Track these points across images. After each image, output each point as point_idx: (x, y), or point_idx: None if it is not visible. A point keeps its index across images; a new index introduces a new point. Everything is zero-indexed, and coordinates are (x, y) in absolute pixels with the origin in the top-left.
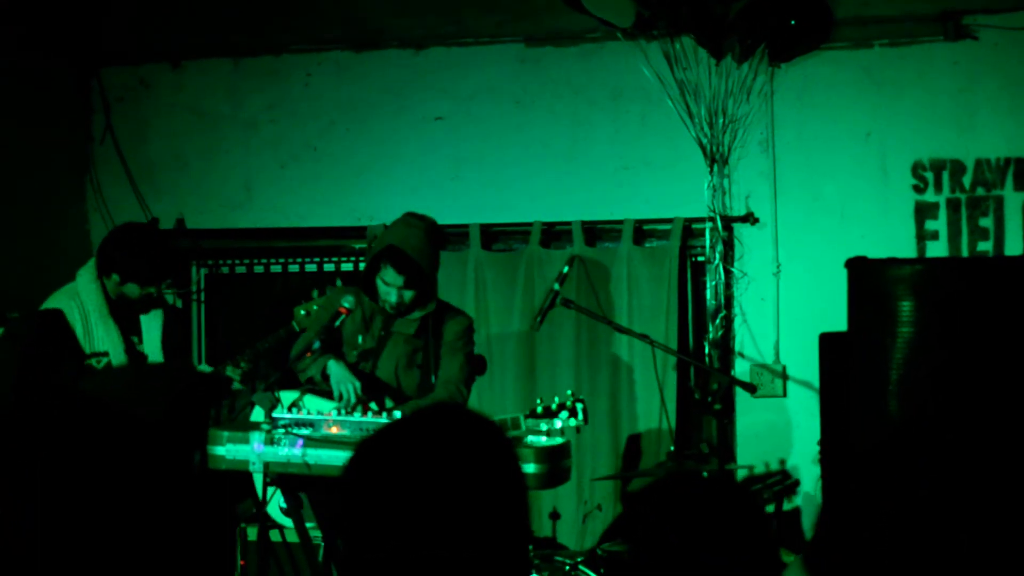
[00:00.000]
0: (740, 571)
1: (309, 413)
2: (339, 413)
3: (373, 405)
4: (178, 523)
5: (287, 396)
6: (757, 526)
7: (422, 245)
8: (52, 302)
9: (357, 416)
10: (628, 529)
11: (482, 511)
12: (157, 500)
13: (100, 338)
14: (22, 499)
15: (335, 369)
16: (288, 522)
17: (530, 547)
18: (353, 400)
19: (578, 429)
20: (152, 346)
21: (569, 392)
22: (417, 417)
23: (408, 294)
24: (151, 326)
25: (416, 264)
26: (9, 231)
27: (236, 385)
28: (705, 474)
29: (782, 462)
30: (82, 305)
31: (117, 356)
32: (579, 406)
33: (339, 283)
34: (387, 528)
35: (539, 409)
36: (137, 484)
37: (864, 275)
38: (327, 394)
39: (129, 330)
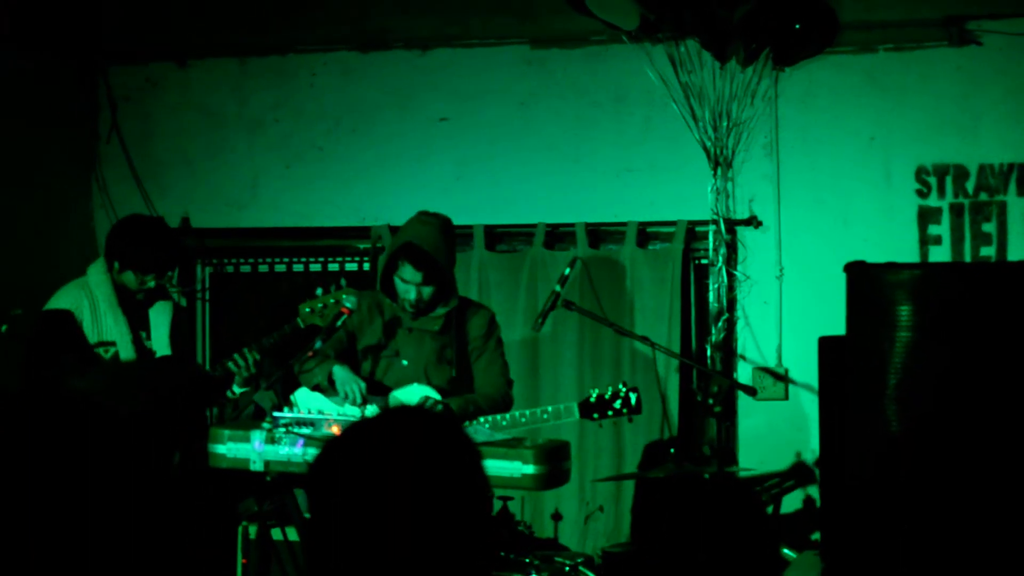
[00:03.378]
0: (740, 569)
1: (309, 412)
2: (341, 413)
3: (373, 405)
4: (162, 520)
5: (303, 398)
6: (757, 525)
7: (437, 241)
8: (63, 293)
9: (356, 415)
10: (633, 529)
11: (439, 512)
12: (139, 498)
13: (108, 327)
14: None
15: (339, 372)
16: None
17: (514, 553)
18: (359, 399)
19: (630, 418)
20: (160, 342)
21: (621, 384)
22: (380, 417)
23: (427, 291)
24: (159, 322)
25: (433, 259)
26: (14, 228)
27: (236, 388)
28: (707, 476)
29: (784, 464)
30: (92, 295)
31: (125, 347)
32: (632, 395)
33: (343, 282)
34: (345, 524)
35: (593, 399)
36: (116, 481)
37: (863, 279)
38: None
39: (138, 325)
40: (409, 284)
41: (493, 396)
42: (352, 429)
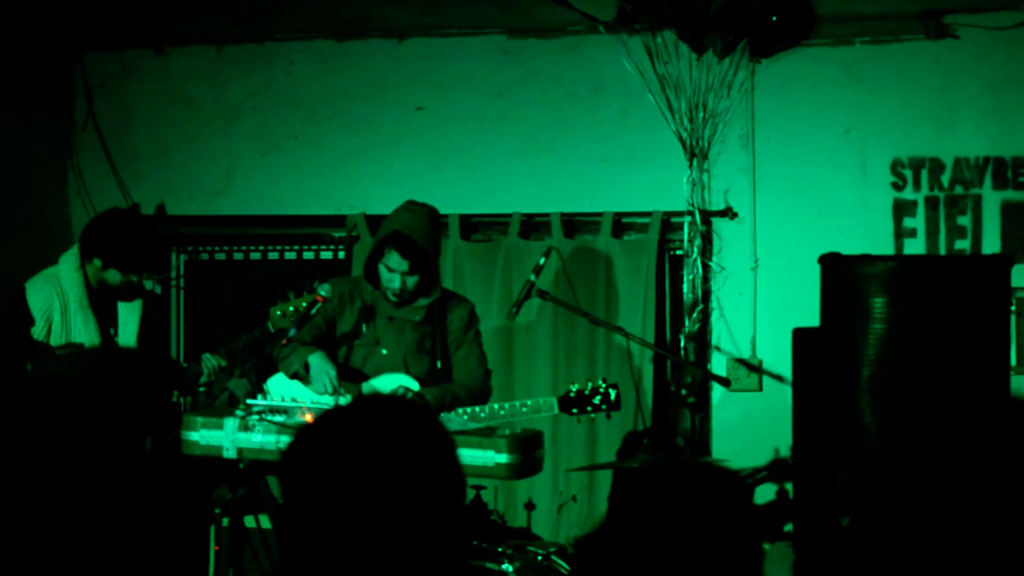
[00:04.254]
0: (722, 559)
1: (282, 400)
2: (314, 401)
3: (345, 394)
4: (136, 507)
5: (276, 386)
6: (742, 514)
7: (425, 231)
8: (32, 286)
9: (330, 403)
10: (611, 518)
11: (412, 499)
12: (115, 483)
13: (78, 329)
14: None
15: (314, 360)
16: None
17: (487, 542)
18: (329, 388)
19: (608, 415)
20: (128, 340)
21: (601, 380)
22: (353, 405)
23: (412, 280)
24: (129, 319)
25: (420, 249)
26: None
27: (202, 384)
28: (682, 463)
29: (757, 455)
30: (63, 293)
31: (93, 348)
32: (612, 392)
33: (316, 284)
34: (317, 512)
35: (572, 394)
36: (95, 466)
37: (837, 271)
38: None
39: (108, 322)
40: (394, 273)
41: (471, 386)
42: (325, 417)
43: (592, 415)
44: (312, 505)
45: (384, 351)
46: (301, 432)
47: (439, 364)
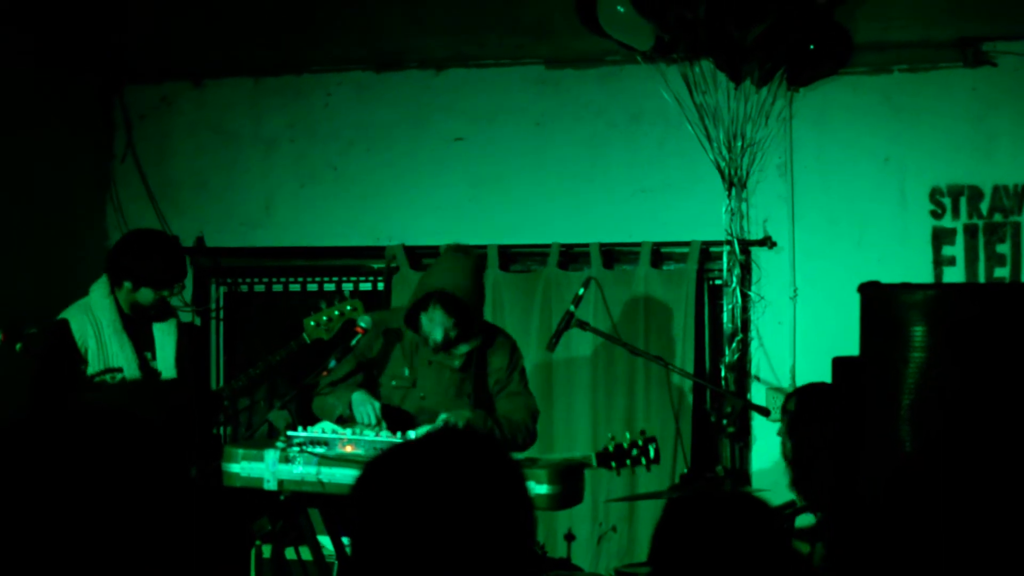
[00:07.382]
0: None
1: (323, 432)
2: (355, 433)
3: (388, 432)
4: (186, 534)
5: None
6: (776, 544)
7: (470, 285)
8: (67, 317)
9: (371, 435)
10: (650, 549)
11: (485, 534)
12: (167, 509)
13: (114, 353)
14: (38, 509)
15: (356, 396)
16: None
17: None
18: (373, 421)
19: (648, 468)
20: (166, 363)
21: (639, 433)
22: (424, 439)
23: (455, 332)
24: (165, 342)
25: (466, 306)
26: (29, 247)
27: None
28: (722, 494)
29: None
30: (95, 320)
31: (131, 372)
32: (651, 447)
33: (347, 294)
34: (389, 546)
35: (611, 448)
36: (147, 492)
37: (876, 300)
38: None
39: (143, 346)
40: (437, 325)
41: (514, 419)
42: (394, 450)
43: (632, 469)
44: (382, 537)
45: (421, 394)
46: (370, 464)
47: (473, 404)
